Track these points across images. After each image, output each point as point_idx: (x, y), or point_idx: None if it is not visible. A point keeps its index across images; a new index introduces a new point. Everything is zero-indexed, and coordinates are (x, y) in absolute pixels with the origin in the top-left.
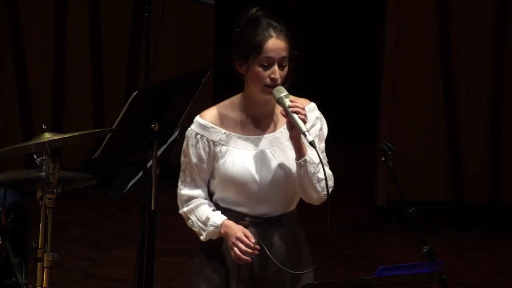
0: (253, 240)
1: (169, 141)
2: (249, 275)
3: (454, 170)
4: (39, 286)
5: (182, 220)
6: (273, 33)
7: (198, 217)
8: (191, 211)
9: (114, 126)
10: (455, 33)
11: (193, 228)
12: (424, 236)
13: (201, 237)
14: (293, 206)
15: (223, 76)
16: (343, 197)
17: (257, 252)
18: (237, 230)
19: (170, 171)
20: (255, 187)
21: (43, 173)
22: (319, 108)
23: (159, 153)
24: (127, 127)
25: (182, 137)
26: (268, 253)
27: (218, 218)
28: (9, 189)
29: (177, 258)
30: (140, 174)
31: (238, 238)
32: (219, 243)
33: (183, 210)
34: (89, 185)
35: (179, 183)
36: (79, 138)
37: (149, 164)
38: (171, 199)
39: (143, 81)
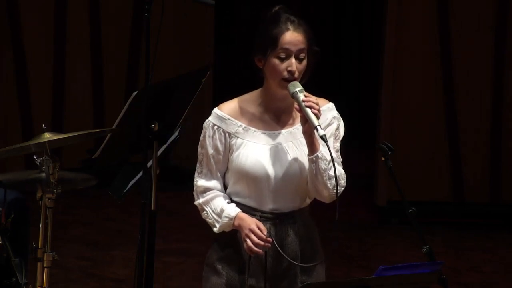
0: (265, 233)
1: (169, 141)
2: (259, 269)
3: (454, 170)
4: (39, 286)
5: (182, 220)
6: (290, 27)
7: (213, 209)
8: (207, 202)
9: (114, 126)
10: (455, 33)
11: (207, 219)
12: (424, 236)
13: (215, 229)
14: (306, 203)
15: (223, 76)
16: (343, 197)
17: (269, 245)
18: (251, 222)
19: (170, 171)
20: (267, 182)
21: (43, 174)
22: None
23: (159, 153)
24: (127, 127)
25: (182, 137)
26: (278, 247)
27: (232, 210)
28: (8, 190)
29: (177, 258)
30: (140, 174)
31: (251, 230)
32: (230, 236)
33: (199, 201)
34: (89, 186)
35: (196, 174)
36: (79, 138)
37: (149, 164)
38: (171, 199)
39: (143, 81)
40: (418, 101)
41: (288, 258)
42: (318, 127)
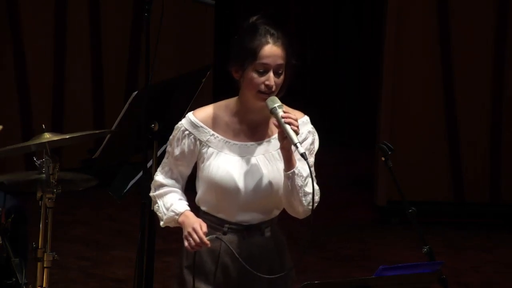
0: (205, 230)
1: None
2: (225, 280)
3: (454, 170)
4: (39, 286)
5: None
6: (270, 40)
7: (164, 203)
8: (160, 196)
9: (114, 127)
10: (455, 33)
11: (158, 213)
12: (424, 236)
13: (161, 223)
14: (274, 214)
15: (223, 76)
16: (343, 197)
17: (208, 244)
18: (195, 221)
19: None
20: (237, 195)
21: (43, 175)
22: (319, 108)
23: (159, 153)
24: (127, 127)
25: None
26: (238, 256)
27: (180, 206)
28: (8, 194)
29: (177, 258)
30: (140, 174)
31: (194, 229)
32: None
33: (153, 193)
34: (89, 186)
35: (159, 168)
36: (79, 138)
37: (149, 164)
38: None
39: (143, 81)
40: (418, 101)
41: (251, 269)
42: (298, 144)
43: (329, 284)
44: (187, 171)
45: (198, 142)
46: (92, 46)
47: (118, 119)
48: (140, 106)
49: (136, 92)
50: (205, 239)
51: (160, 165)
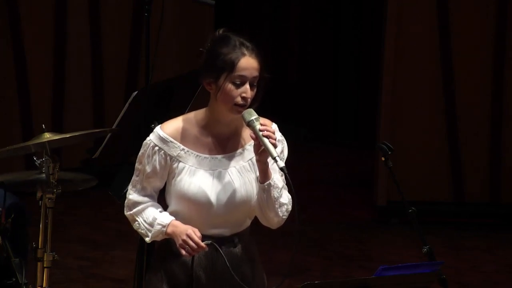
0: (199, 235)
1: None
2: None
3: (454, 170)
4: (39, 286)
5: None
6: (246, 52)
7: (145, 219)
8: (138, 213)
9: (114, 126)
10: (455, 33)
11: (139, 230)
12: (424, 236)
13: (147, 239)
14: (246, 225)
15: None
16: (343, 197)
17: (206, 248)
18: (187, 227)
19: None
20: (210, 209)
21: (43, 175)
22: (319, 108)
23: None
24: (127, 127)
25: None
26: (229, 266)
27: (166, 218)
28: (8, 192)
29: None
30: None
31: (188, 235)
32: (168, 260)
33: (130, 212)
34: (89, 186)
35: (130, 186)
36: (79, 138)
37: None
38: None
39: (143, 81)
40: (418, 101)
41: (236, 276)
42: (277, 158)
43: (329, 284)
44: (161, 185)
45: (168, 158)
46: (92, 46)
47: (118, 119)
48: (140, 106)
49: (136, 92)
50: (202, 243)
51: (131, 184)
